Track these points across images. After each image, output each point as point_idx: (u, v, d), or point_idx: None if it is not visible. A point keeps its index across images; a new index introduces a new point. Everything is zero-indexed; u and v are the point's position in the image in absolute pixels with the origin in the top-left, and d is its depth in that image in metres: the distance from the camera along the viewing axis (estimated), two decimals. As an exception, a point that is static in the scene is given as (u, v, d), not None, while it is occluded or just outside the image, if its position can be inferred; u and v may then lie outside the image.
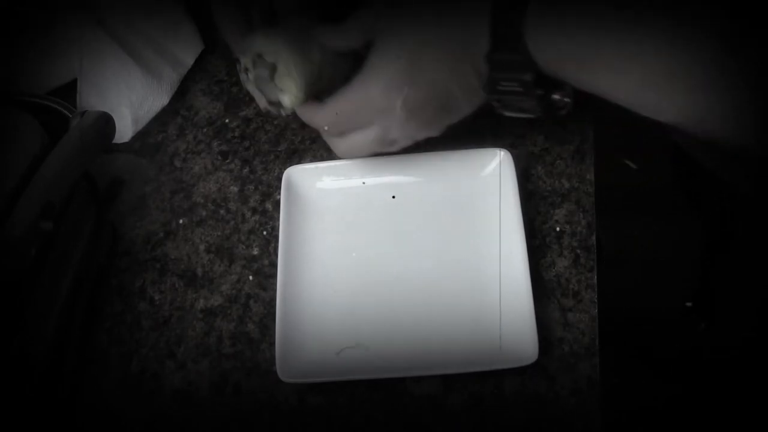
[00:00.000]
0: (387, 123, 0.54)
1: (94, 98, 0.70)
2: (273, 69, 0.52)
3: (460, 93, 0.52)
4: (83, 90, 0.70)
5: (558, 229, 0.61)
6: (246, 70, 0.54)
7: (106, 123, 0.59)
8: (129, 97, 0.69)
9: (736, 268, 0.88)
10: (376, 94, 0.52)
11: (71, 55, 0.71)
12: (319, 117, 0.56)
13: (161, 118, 0.72)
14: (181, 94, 0.73)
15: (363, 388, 0.55)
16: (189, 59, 0.74)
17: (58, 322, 0.55)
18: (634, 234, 1.37)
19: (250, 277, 0.62)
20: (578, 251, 0.60)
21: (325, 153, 0.68)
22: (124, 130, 0.70)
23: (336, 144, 0.58)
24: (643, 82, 0.45)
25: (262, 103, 0.56)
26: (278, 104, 0.55)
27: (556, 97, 0.51)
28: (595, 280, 0.58)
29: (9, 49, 0.72)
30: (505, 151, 0.62)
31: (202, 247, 0.64)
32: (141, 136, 0.71)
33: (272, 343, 0.55)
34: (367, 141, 0.56)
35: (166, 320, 0.60)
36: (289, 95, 0.53)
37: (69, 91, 0.71)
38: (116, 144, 0.69)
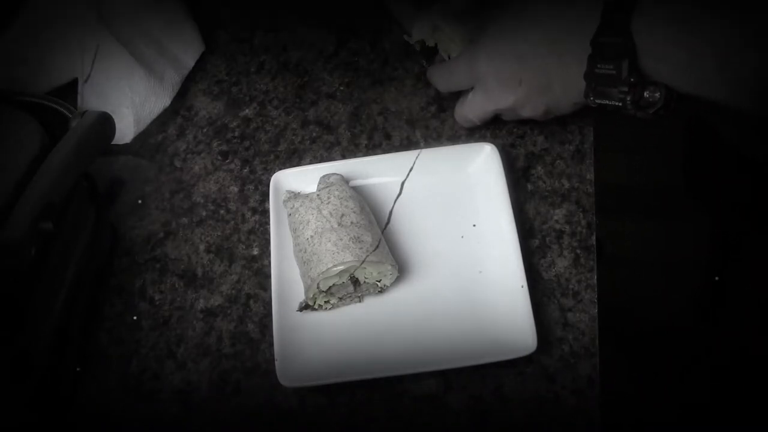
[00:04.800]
0: (488, 91, 0.62)
1: (94, 98, 0.70)
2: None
3: (559, 82, 0.58)
4: (83, 90, 0.70)
5: (558, 229, 0.61)
6: (419, 41, 0.69)
7: (106, 123, 0.59)
8: (131, 98, 0.69)
9: (740, 268, 0.88)
10: (482, 62, 0.60)
11: (72, 55, 0.71)
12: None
13: (161, 119, 0.72)
14: (181, 94, 0.73)
15: (363, 388, 0.55)
16: (190, 60, 0.74)
17: (58, 322, 0.55)
18: (634, 234, 1.37)
19: (250, 277, 0.62)
20: (578, 251, 0.60)
21: (325, 153, 0.68)
22: (126, 131, 0.70)
23: (456, 109, 0.67)
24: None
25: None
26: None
27: (646, 94, 0.53)
28: (595, 280, 0.58)
29: (9, 49, 0.72)
30: (491, 145, 0.62)
31: (202, 247, 0.64)
32: (141, 136, 0.71)
33: (272, 344, 0.55)
34: (473, 103, 0.64)
35: (166, 320, 0.60)
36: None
37: (69, 91, 0.71)
38: (116, 144, 0.69)
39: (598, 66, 0.54)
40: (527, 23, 0.58)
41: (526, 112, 0.61)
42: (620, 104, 0.54)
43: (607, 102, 0.55)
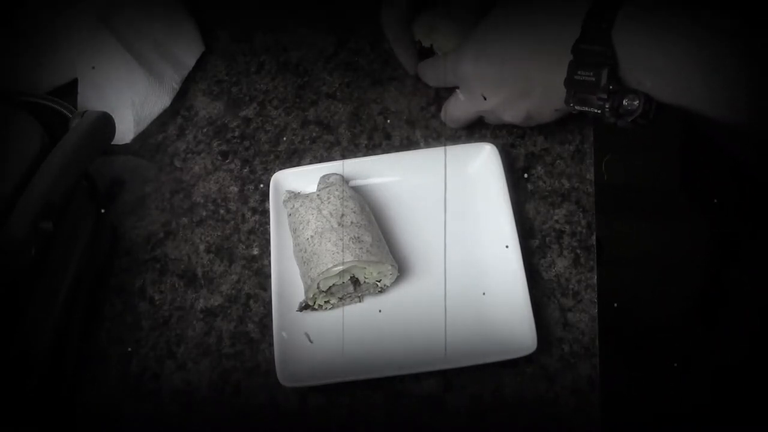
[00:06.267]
0: (471, 92, 0.62)
1: (94, 98, 0.70)
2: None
3: (541, 88, 0.58)
4: (83, 90, 0.70)
5: (558, 229, 0.61)
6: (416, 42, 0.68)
7: (106, 123, 0.59)
8: (131, 99, 0.69)
9: (740, 268, 0.88)
10: (467, 63, 0.60)
11: (72, 55, 0.71)
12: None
13: (161, 119, 0.72)
14: (181, 94, 0.73)
15: (363, 388, 0.55)
16: (190, 60, 0.74)
17: (58, 322, 0.55)
18: (634, 234, 1.37)
19: (250, 277, 0.62)
20: (578, 251, 0.60)
21: (325, 153, 0.68)
22: (126, 132, 0.70)
23: (443, 108, 0.67)
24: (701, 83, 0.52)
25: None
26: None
27: (625, 101, 0.53)
28: (595, 280, 0.58)
29: (9, 49, 0.72)
30: (491, 145, 0.62)
31: (202, 247, 0.64)
32: (141, 136, 0.71)
33: (272, 344, 0.55)
34: (457, 103, 0.64)
35: (166, 320, 0.60)
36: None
37: (69, 91, 0.71)
38: (117, 144, 0.69)
39: (578, 73, 0.54)
40: (513, 27, 0.58)
41: (507, 117, 0.61)
42: (599, 111, 0.54)
43: (587, 109, 0.55)
